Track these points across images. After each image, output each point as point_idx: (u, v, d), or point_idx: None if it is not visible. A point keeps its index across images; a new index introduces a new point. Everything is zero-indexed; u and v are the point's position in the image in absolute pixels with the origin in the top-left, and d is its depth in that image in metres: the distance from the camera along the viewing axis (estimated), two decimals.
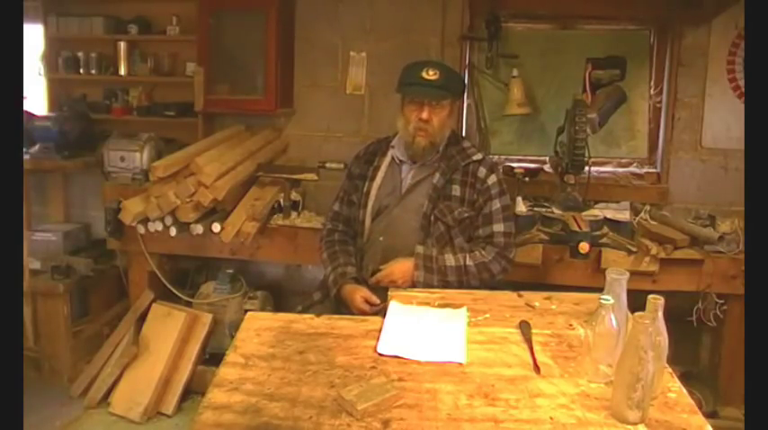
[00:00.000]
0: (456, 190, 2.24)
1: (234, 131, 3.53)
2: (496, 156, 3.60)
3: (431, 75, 2.15)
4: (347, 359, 1.54)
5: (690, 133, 3.35)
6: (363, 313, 2.08)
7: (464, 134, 3.58)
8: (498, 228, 2.24)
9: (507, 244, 2.25)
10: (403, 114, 2.25)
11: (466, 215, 2.23)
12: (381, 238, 2.27)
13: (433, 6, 3.42)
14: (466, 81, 2.32)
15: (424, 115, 2.16)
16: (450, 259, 2.17)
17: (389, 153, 2.35)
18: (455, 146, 2.30)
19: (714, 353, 3.04)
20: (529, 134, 3.58)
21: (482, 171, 2.26)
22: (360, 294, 2.16)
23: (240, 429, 1.27)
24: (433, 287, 2.09)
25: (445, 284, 2.13)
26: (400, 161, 2.33)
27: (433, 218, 2.21)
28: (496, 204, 2.25)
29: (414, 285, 2.11)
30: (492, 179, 2.26)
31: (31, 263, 3.26)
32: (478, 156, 2.28)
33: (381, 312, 1.87)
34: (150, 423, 2.91)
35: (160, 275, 3.20)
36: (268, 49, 3.36)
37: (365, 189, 2.33)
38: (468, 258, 2.18)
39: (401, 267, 2.15)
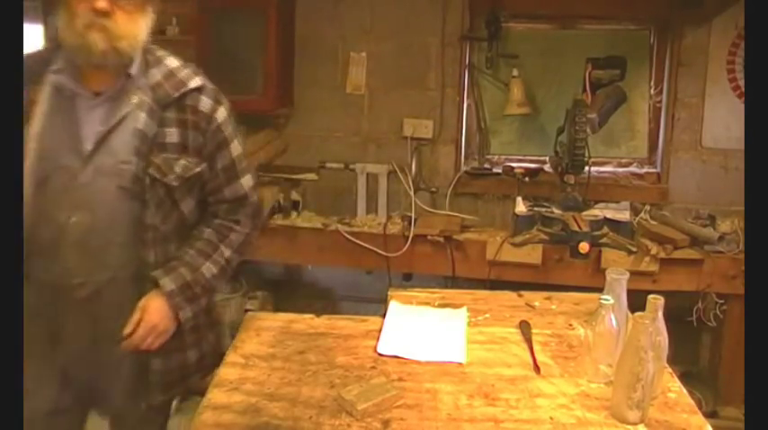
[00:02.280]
0: (172, 134, 1.50)
1: None
2: (496, 156, 3.61)
3: None
4: (347, 359, 1.54)
5: (690, 133, 3.34)
6: None
7: (464, 135, 3.58)
8: (247, 181, 1.63)
9: (257, 199, 1.68)
10: (65, 7, 1.42)
11: (195, 171, 1.54)
12: (73, 219, 1.44)
13: (433, 6, 3.42)
14: None
15: (100, 4, 1.37)
16: (209, 268, 1.56)
17: (50, 81, 1.45)
18: (156, 66, 1.54)
19: (714, 353, 3.04)
20: (529, 134, 3.58)
21: (206, 103, 1.54)
22: None
23: (240, 429, 1.28)
24: (201, 308, 1.58)
25: (213, 294, 1.67)
26: (72, 93, 1.46)
27: (148, 180, 1.47)
28: (236, 149, 1.61)
29: (180, 325, 1.52)
30: (221, 114, 1.57)
31: None
32: (197, 82, 1.55)
33: None
34: None
35: None
36: (268, 48, 3.36)
37: (24, 134, 1.40)
38: (224, 250, 1.60)
39: (156, 310, 1.48)
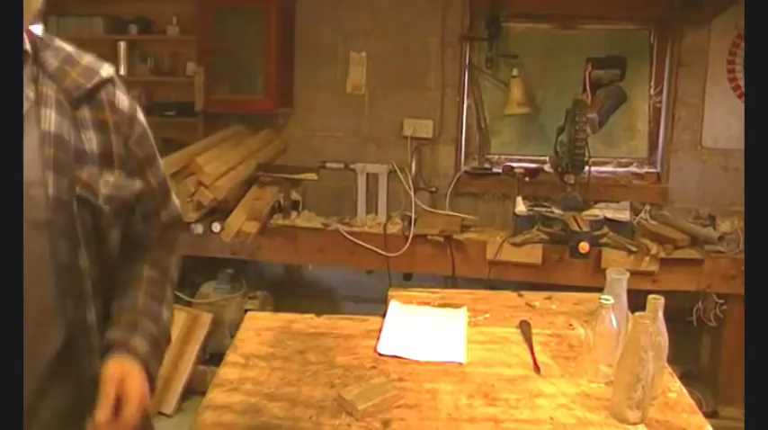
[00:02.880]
0: (91, 139, 1.06)
1: (234, 131, 3.53)
2: (496, 156, 3.60)
3: None
4: (347, 359, 1.54)
5: (690, 133, 3.35)
6: None
7: (464, 134, 3.58)
8: (175, 198, 1.26)
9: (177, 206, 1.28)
10: None
11: (131, 189, 1.12)
12: None
13: (433, 6, 3.42)
14: None
15: None
16: (166, 314, 1.21)
17: None
18: (47, 49, 1.07)
19: (714, 353, 3.04)
20: (529, 134, 3.59)
21: (122, 100, 1.14)
22: None
23: (240, 429, 1.28)
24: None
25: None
26: None
27: (75, 205, 1.01)
28: (153, 150, 1.19)
29: (152, 383, 1.10)
30: (141, 115, 1.19)
31: None
32: (108, 70, 1.14)
33: None
34: None
35: None
36: (268, 48, 3.37)
37: None
38: (169, 289, 1.24)
39: (137, 378, 1.05)
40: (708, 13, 3.21)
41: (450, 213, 3.27)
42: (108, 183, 1.07)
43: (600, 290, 1.45)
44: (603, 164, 3.49)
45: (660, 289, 2.52)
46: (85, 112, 1.07)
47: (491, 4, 3.35)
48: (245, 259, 3.22)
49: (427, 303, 1.86)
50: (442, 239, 2.88)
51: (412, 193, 3.32)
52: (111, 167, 1.08)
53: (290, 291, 3.63)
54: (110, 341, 1.07)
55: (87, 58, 1.14)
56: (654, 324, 1.25)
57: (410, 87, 3.51)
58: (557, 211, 2.84)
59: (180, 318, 3.05)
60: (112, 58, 3.71)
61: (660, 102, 3.43)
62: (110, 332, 1.08)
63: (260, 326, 1.71)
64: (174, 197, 1.26)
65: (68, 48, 1.12)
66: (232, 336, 1.71)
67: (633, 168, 3.51)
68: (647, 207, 3.08)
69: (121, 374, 1.03)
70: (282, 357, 1.55)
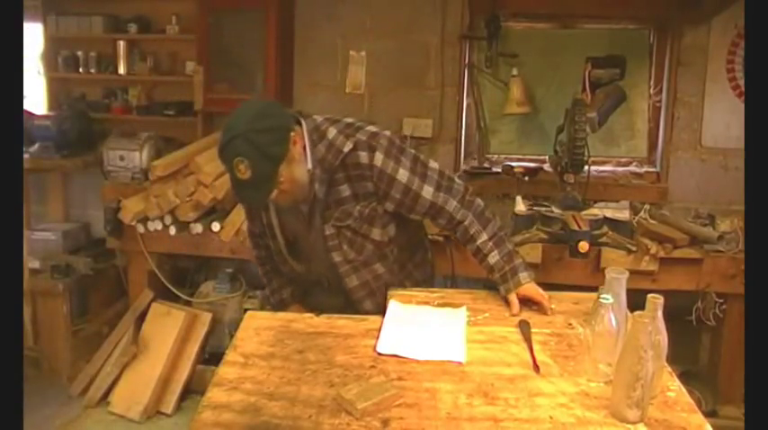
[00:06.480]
0: (344, 190, 1.85)
1: None
2: (496, 156, 3.61)
3: (242, 173, 1.68)
4: (346, 358, 1.54)
5: (689, 132, 3.35)
6: None
7: (464, 134, 3.58)
8: (427, 192, 1.87)
9: (451, 190, 1.90)
10: None
11: (370, 207, 1.87)
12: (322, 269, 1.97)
13: (433, 5, 3.42)
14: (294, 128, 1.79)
15: (273, 198, 1.79)
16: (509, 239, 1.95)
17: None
18: (320, 143, 1.83)
19: (713, 353, 3.04)
20: (528, 133, 3.59)
21: (362, 156, 1.81)
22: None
23: (239, 428, 1.27)
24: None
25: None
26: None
27: (333, 230, 1.87)
28: (403, 175, 1.84)
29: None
30: (378, 158, 1.81)
31: (30, 262, 3.27)
32: (348, 146, 1.81)
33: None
34: (150, 422, 2.92)
35: (159, 274, 3.20)
36: (268, 48, 3.37)
37: (264, 220, 2.00)
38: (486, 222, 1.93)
39: (534, 290, 1.83)
40: (707, 13, 3.21)
41: None
42: (357, 209, 1.87)
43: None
44: (603, 163, 3.49)
45: (659, 288, 2.52)
46: (339, 175, 1.85)
47: (491, 3, 3.35)
48: (245, 258, 3.22)
49: (427, 303, 1.86)
50: (441, 239, 2.88)
51: None
52: (358, 200, 1.87)
53: None
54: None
55: (339, 141, 1.83)
56: (653, 323, 1.25)
57: (410, 87, 3.51)
58: (556, 211, 2.84)
59: (179, 317, 3.05)
60: (112, 57, 3.71)
61: (660, 101, 3.43)
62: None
63: (259, 326, 1.71)
64: (427, 188, 1.88)
65: (330, 135, 1.85)
66: (231, 336, 1.71)
67: (633, 168, 3.51)
68: (647, 206, 3.08)
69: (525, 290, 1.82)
70: (282, 356, 1.55)
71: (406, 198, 1.86)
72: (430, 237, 2.91)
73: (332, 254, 1.90)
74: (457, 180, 1.95)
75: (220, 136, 1.72)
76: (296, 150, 1.77)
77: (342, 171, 1.83)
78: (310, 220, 1.90)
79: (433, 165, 1.91)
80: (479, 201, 1.96)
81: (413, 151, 1.90)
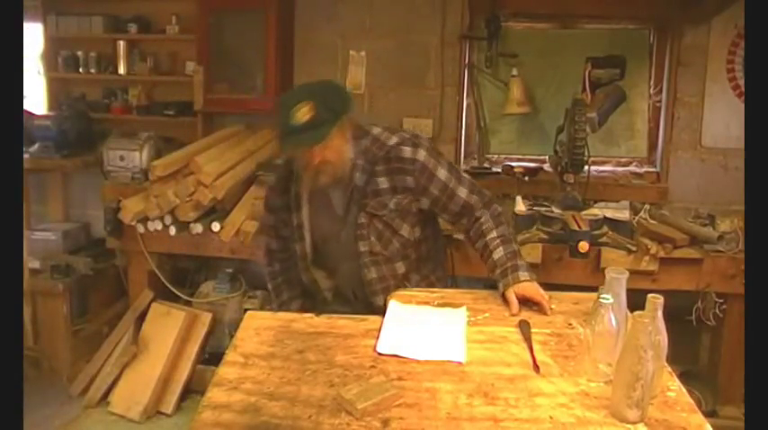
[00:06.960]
0: (383, 182, 1.94)
1: (233, 130, 3.53)
2: (496, 156, 3.61)
3: (302, 115, 1.77)
4: (346, 358, 1.54)
5: (689, 132, 3.35)
6: None
7: (464, 134, 3.59)
8: (462, 191, 1.99)
9: (481, 194, 2.01)
10: (300, 161, 1.92)
11: (405, 201, 1.96)
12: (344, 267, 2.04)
13: (433, 5, 3.42)
14: (347, 97, 1.91)
15: (317, 160, 1.85)
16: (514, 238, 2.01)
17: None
18: (364, 138, 1.96)
19: (713, 353, 3.04)
20: (528, 133, 3.59)
21: (406, 151, 1.93)
22: None
23: (239, 428, 1.27)
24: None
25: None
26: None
27: (365, 219, 1.94)
28: (442, 173, 1.96)
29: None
30: (421, 154, 1.93)
31: (30, 262, 3.27)
32: (394, 140, 1.95)
33: None
34: (150, 422, 2.92)
35: (159, 274, 3.20)
36: (268, 48, 3.37)
37: (295, 221, 2.05)
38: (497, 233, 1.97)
39: (534, 289, 1.83)
40: (707, 13, 3.21)
41: None
42: (393, 202, 1.96)
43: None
44: (603, 163, 3.49)
45: (659, 288, 2.52)
46: (380, 166, 1.95)
47: (491, 3, 3.35)
48: (245, 258, 3.22)
49: (427, 303, 1.86)
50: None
51: None
52: (396, 193, 1.95)
53: None
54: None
55: (384, 136, 1.98)
56: (653, 323, 1.25)
57: (410, 86, 3.51)
58: (556, 211, 2.84)
59: (179, 317, 3.05)
60: (112, 57, 3.71)
61: (660, 101, 3.43)
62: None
63: (259, 326, 1.71)
64: (461, 189, 1.99)
65: (375, 131, 1.99)
66: (231, 336, 1.71)
67: (633, 168, 3.51)
68: (647, 206, 3.08)
69: (522, 289, 1.82)
70: (282, 356, 1.55)
71: (443, 195, 1.97)
72: None
73: (359, 243, 1.96)
74: (484, 190, 2.06)
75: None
76: (346, 131, 1.89)
77: (383, 164, 1.93)
78: (347, 209, 1.96)
79: (465, 177, 2.05)
80: (499, 207, 2.05)
81: (446, 160, 2.04)
